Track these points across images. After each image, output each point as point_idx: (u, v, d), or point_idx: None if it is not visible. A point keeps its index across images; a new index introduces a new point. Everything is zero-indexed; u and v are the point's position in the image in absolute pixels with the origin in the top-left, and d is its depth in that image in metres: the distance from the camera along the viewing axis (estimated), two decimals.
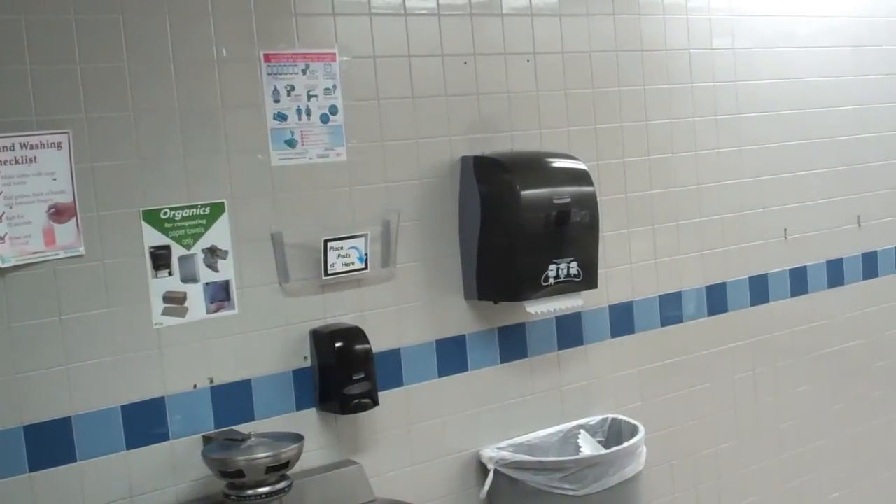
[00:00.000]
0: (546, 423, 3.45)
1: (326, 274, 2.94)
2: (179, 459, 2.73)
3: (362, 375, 2.91)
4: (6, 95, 2.48)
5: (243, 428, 2.78)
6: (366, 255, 3.00)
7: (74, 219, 2.57)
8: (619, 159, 3.63)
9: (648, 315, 3.73)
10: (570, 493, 3.14)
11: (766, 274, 4.09)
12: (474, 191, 3.19)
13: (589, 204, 3.28)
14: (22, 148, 2.48)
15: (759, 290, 4.06)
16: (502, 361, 3.36)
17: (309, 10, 2.95)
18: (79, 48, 2.58)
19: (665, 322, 3.78)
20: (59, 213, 2.55)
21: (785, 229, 4.14)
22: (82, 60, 2.58)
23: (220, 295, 2.80)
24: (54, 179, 2.53)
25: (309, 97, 2.94)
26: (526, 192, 3.15)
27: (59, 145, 2.53)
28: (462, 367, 3.27)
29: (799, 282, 4.19)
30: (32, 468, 2.54)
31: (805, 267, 4.21)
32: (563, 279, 3.22)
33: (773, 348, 4.11)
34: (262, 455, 2.59)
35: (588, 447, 3.39)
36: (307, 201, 2.95)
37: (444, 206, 3.21)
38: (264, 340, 2.88)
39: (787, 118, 4.12)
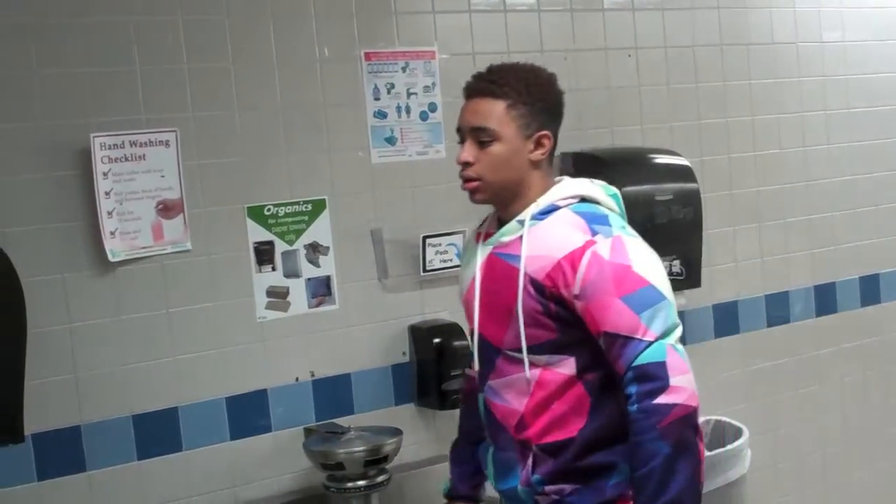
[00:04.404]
0: None
1: (425, 270, 2.95)
2: (281, 451, 2.79)
3: (460, 372, 2.92)
4: (117, 95, 2.57)
5: (343, 421, 2.81)
6: None
7: (182, 215, 2.64)
8: (724, 155, 3.56)
9: (754, 315, 3.65)
10: None
11: (878, 273, 3.96)
12: None
13: (692, 201, 3.22)
14: (131, 146, 2.55)
15: (871, 289, 3.93)
16: None
17: (409, 8, 2.97)
18: (186, 49, 2.65)
19: (771, 322, 3.70)
20: (167, 209, 2.62)
21: None
22: (189, 61, 2.65)
23: (321, 290, 2.85)
24: (162, 177, 2.60)
25: (408, 95, 2.96)
26: (627, 189, 3.10)
27: (167, 143, 2.60)
28: None
29: None
30: (140, 457, 2.61)
31: None
32: None
33: (884, 350, 3.98)
34: (362, 448, 2.62)
35: None
36: (406, 198, 2.97)
37: None
38: (364, 335, 2.91)
39: None
